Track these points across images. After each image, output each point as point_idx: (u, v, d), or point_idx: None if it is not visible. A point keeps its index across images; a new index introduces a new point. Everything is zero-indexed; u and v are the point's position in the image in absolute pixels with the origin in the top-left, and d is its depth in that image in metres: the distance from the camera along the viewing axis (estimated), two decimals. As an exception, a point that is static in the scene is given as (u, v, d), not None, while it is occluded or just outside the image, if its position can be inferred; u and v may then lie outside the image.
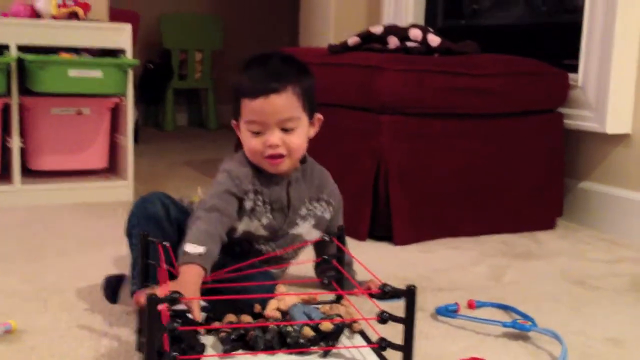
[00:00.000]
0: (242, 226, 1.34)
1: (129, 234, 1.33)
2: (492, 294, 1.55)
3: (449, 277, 1.68)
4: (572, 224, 2.27)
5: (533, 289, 1.61)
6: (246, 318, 1.12)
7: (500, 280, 1.67)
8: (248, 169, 1.34)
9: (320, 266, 1.53)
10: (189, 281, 1.13)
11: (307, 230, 1.42)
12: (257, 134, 1.31)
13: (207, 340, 1.10)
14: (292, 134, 1.32)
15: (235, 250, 1.37)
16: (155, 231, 1.26)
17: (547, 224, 2.20)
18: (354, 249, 1.41)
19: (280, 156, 1.32)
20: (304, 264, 1.48)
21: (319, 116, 1.40)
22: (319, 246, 1.52)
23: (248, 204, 1.33)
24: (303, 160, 1.40)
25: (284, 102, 1.29)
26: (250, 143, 1.33)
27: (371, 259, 1.75)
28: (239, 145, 1.42)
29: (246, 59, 1.36)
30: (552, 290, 1.61)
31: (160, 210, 1.31)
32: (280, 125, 1.30)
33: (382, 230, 1.98)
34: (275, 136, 1.30)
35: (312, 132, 1.39)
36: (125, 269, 1.57)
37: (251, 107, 1.30)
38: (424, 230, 2.01)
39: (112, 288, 1.33)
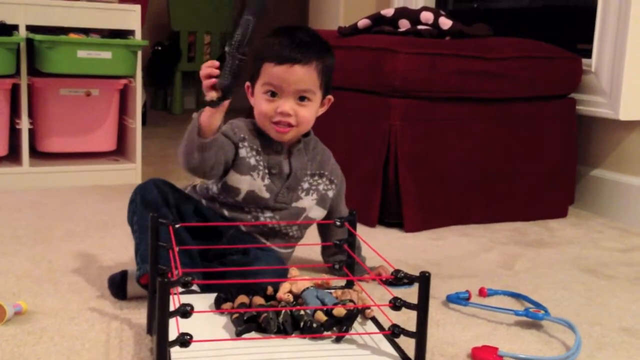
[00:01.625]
0: (245, 185, 1.36)
1: (131, 221, 1.36)
2: (503, 282, 1.54)
3: (460, 265, 1.67)
4: (584, 212, 2.25)
5: (545, 278, 1.59)
6: (258, 300, 1.11)
7: (512, 268, 1.66)
8: (252, 129, 1.39)
9: (328, 250, 1.53)
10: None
11: (309, 204, 1.44)
12: (271, 96, 1.35)
13: (220, 320, 1.09)
14: (304, 106, 1.36)
15: (241, 227, 1.38)
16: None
17: (559, 212, 2.18)
18: (363, 236, 1.39)
19: (289, 125, 1.35)
20: (311, 246, 1.47)
21: (329, 97, 1.43)
22: (325, 230, 1.52)
23: (243, 153, 1.36)
24: (306, 134, 1.44)
25: (305, 74, 1.34)
26: (262, 106, 1.36)
27: (381, 245, 1.75)
28: (249, 116, 1.44)
29: (273, 28, 1.40)
30: (565, 278, 1.59)
31: (157, 197, 1.33)
32: (297, 95, 1.35)
33: (392, 216, 1.97)
34: (288, 105, 1.34)
35: (321, 111, 1.43)
36: (133, 252, 1.57)
37: (273, 72, 1.34)
38: (434, 216, 1.99)
39: (118, 285, 1.33)
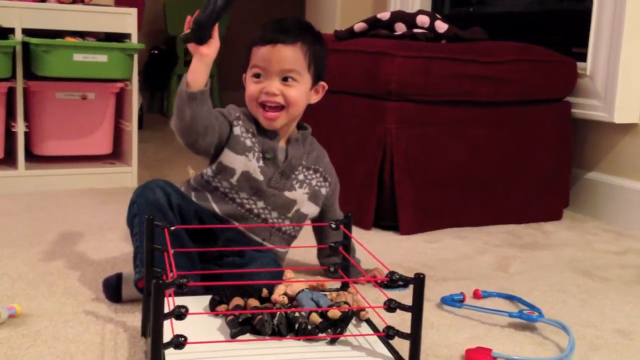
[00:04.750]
0: (240, 166, 1.37)
1: (131, 223, 1.33)
2: (498, 284, 1.54)
3: (455, 267, 1.67)
4: (579, 215, 2.26)
5: (540, 280, 1.60)
6: (253, 302, 1.12)
7: (506, 271, 1.66)
8: (247, 113, 1.41)
9: (323, 252, 1.53)
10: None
11: (301, 197, 1.43)
12: (257, 77, 1.37)
13: (215, 323, 1.10)
14: (291, 86, 1.37)
15: (234, 223, 1.38)
16: (157, 219, 1.25)
17: (554, 215, 2.19)
18: (359, 238, 1.39)
19: (277, 108, 1.36)
20: (306, 248, 1.47)
21: (323, 84, 1.44)
22: (320, 232, 1.52)
23: (237, 131, 1.37)
24: (304, 127, 1.46)
25: (289, 54, 1.35)
26: (249, 88, 1.39)
27: (376, 248, 1.75)
28: None
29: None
30: (559, 281, 1.60)
31: (162, 198, 1.31)
32: (282, 75, 1.36)
33: (387, 219, 1.97)
34: (274, 85, 1.36)
35: (315, 98, 1.44)
36: (128, 255, 1.57)
37: (258, 53, 1.37)
38: (429, 219, 2.00)
39: (113, 288, 1.33)
